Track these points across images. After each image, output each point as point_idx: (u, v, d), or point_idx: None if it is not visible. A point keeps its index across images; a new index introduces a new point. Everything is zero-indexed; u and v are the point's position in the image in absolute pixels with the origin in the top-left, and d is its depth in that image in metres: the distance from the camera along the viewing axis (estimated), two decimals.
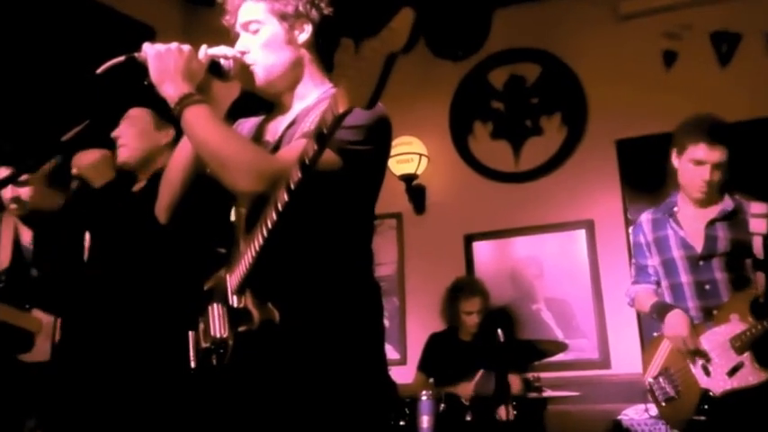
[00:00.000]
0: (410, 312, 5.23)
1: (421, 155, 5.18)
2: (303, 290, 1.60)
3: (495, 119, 5.32)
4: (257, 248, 1.50)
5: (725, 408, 2.73)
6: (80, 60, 2.58)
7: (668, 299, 2.97)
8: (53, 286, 3.12)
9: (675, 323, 2.83)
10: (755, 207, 2.89)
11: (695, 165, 2.88)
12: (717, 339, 2.79)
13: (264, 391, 1.60)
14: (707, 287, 2.86)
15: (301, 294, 1.60)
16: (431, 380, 4.29)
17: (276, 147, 1.71)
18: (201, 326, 1.78)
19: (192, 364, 1.81)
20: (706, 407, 2.75)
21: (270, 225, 1.44)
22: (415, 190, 5.30)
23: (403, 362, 5.03)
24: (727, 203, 2.92)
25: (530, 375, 4.07)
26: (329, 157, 1.49)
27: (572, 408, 4.28)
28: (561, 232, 4.93)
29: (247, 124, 1.92)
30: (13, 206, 3.21)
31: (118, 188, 2.67)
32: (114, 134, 2.77)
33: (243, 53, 1.75)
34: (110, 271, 2.67)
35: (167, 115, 1.63)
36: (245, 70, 1.75)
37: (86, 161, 2.68)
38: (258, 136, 1.83)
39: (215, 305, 1.69)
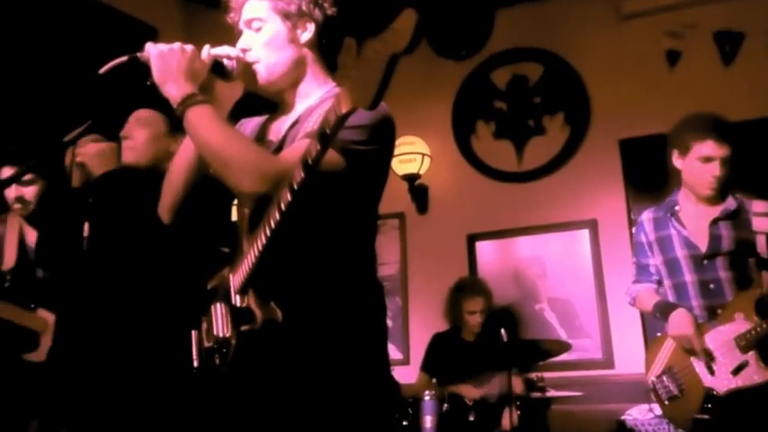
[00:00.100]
0: (413, 312, 5.23)
1: (423, 154, 5.19)
2: (306, 290, 1.60)
3: (498, 118, 5.32)
4: (260, 248, 1.50)
5: (729, 406, 2.73)
6: (82, 60, 2.58)
7: (671, 298, 2.96)
8: (58, 286, 3.12)
9: (680, 322, 2.83)
10: (757, 205, 2.89)
11: (703, 162, 2.87)
12: (721, 338, 2.79)
13: (267, 390, 1.60)
14: (711, 286, 2.85)
15: (304, 294, 1.60)
16: (434, 380, 4.29)
17: (279, 147, 1.71)
18: (204, 325, 1.78)
19: (195, 364, 1.81)
20: (710, 406, 2.74)
21: (273, 225, 1.44)
22: (417, 190, 5.30)
23: (406, 362, 5.03)
24: (730, 202, 2.91)
25: (533, 375, 4.07)
26: (332, 157, 1.49)
27: (575, 408, 4.28)
28: (564, 232, 4.93)
29: (250, 124, 1.92)
30: (17, 206, 3.22)
31: (118, 177, 2.66)
32: (123, 133, 2.74)
33: (245, 51, 1.75)
34: (111, 268, 2.66)
35: (178, 123, 1.62)
36: (247, 70, 1.75)
37: (93, 150, 2.67)
38: (261, 136, 1.83)
39: (218, 304, 1.69)
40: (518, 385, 3.93)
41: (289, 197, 1.39)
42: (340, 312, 1.60)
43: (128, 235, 2.61)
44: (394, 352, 5.02)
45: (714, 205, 2.94)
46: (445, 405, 3.83)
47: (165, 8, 5.14)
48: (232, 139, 1.57)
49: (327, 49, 1.81)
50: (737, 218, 2.89)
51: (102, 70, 1.60)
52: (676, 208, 3.01)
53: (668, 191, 3.12)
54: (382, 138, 1.64)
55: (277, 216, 1.43)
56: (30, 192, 3.20)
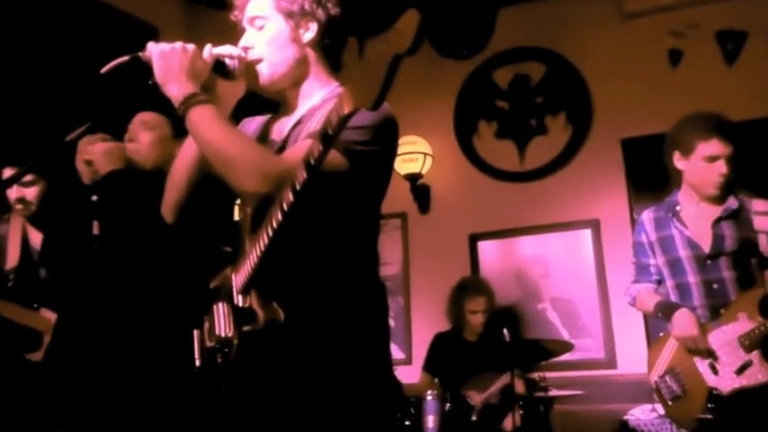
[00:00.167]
0: (415, 312, 5.23)
1: (425, 154, 5.18)
2: (308, 290, 1.60)
3: (500, 118, 5.31)
4: (262, 248, 1.50)
5: (733, 406, 2.72)
6: (83, 60, 2.58)
7: (674, 298, 2.96)
8: (62, 285, 3.12)
9: (684, 322, 2.82)
10: (758, 204, 2.89)
11: (708, 161, 2.87)
12: (725, 338, 2.78)
13: (269, 390, 1.60)
14: (715, 286, 2.85)
15: (306, 294, 1.60)
16: (436, 380, 4.28)
17: (282, 147, 1.71)
18: (206, 325, 1.77)
19: (197, 363, 1.80)
20: (713, 405, 2.74)
21: (275, 225, 1.44)
22: (419, 189, 5.29)
23: (408, 362, 5.04)
24: (732, 202, 2.91)
25: (535, 375, 4.07)
26: (335, 157, 1.48)
27: (578, 408, 4.27)
28: (567, 231, 4.92)
29: (253, 123, 1.92)
30: (19, 206, 3.22)
31: (124, 177, 2.66)
32: (128, 136, 2.74)
33: (247, 48, 1.74)
34: (117, 267, 2.66)
35: (180, 124, 1.62)
36: (249, 69, 1.74)
37: (101, 148, 2.67)
38: (264, 135, 1.83)
39: (220, 304, 1.69)
40: (520, 385, 3.92)
41: (291, 197, 1.38)
42: (342, 312, 1.60)
43: (132, 234, 2.61)
44: (396, 352, 5.03)
45: (716, 205, 2.93)
46: (447, 405, 3.83)
47: (166, 8, 5.13)
48: (234, 139, 1.57)
49: (331, 50, 1.81)
50: (739, 217, 2.89)
51: (103, 70, 1.60)
52: (677, 208, 3.00)
53: (670, 190, 3.11)
54: (385, 138, 1.64)
55: (279, 216, 1.42)
56: (31, 193, 3.20)
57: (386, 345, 1.72)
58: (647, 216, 3.11)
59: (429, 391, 3.81)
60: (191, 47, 1.64)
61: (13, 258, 3.28)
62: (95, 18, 4.36)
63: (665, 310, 2.91)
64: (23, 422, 3.00)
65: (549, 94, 5.19)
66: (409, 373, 4.55)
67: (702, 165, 2.89)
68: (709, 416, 2.74)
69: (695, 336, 2.79)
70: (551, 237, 4.96)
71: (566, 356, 4.16)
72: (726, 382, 2.75)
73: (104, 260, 2.73)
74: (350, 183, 1.57)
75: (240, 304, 1.60)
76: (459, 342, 4.44)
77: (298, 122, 1.73)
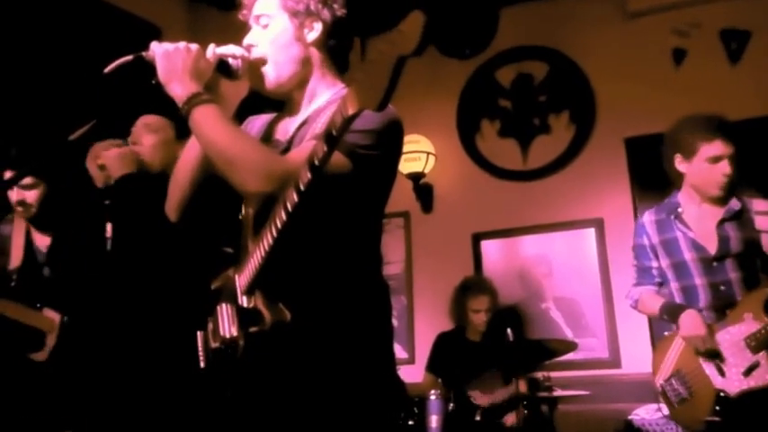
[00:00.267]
0: (418, 311, 5.22)
1: (428, 153, 5.17)
2: (312, 290, 1.60)
3: (503, 117, 5.30)
4: (266, 249, 1.49)
5: (741, 408, 2.71)
6: (86, 60, 2.57)
7: (679, 300, 2.95)
8: (67, 286, 3.12)
9: (691, 323, 2.81)
10: (759, 204, 2.88)
11: (712, 162, 2.86)
12: (731, 339, 2.77)
13: (276, 390, 1.60)
14: (722, 288, 2.84)
15: (310, 295, 1.59)
16: (439, 380, 4.28)
17: (287, 147, 1.71)
18: (210, 326, 1.77)
19: (202, 364, 1.80)
20: (720, 408, 2.73)
21: (279, 225, 1.44)
22: (422, 188, 5.29)
23: (411, 361, 5.03)
24: (734, 202, 2.90)
25: (539, 375, 4.06)
26: (339, 159, 1.48)
27: (582, 407, 4.26)
28: (570, 231, 4.91)
29: (257, 122, 1.91)
30: (19, 209, 3.22)
31: (136, 180, 2.66)
32: (131, 139, 2.74)
33: (251, 46, 1.74)
34: (127, 269, 2.66)
35: (184, 124, 1.62)
36: (253, 69, 1.74)
37: (114, 153, 2.67)
38: (268, 135, 1.83)
39: (224, 305, 1.69)
40: (523, 385, 3.91)
41: (295, 197, 1.38)
42: (346, 312, 1.60)
43: (143, 236, 2.61)
44: (399, 351, 5.02)
45: (718, 206, 2.92)
46: (451, 405, 3.82)
47: (169, 7, 5.13)
48: (237, 139, 1.56)
49: (337, 51, 1.81)
50: (741, 218, 2.88)
51: (106, 70, 1.59)
52: (679, 210, 2.99)
53: (674, 189, 3.09)
54: (389, 142, 1.64)
55: (283, 216, 1.42)
56: (31, 196, 3.20)
57: (389, 344, 1.71)
58: (647, 218, 3.09)
59: (432, 391, 3.80)
60: (194, 46, 1.64)
61: (16, 258, 3.28)
62: (98, 18, 4.36)
63: (671, 312, 2.90)
64: (27, 422, 3.00)
65: (552, 93, 5.18)
66: (412, 373, 4.55)
67: (706, 166, 2.88)
68: (717, 418, 2.73)
69: (703, 335, 2.78)
70: (555, 236, 4.95)
71: (569, 356, 4.15)
72: (733, 383, 2.74)
73: (117, 262, 2.73)
74: (353, 185, 1.56)
75: (245, 305, 1.59)
76: (463, 341, 4.43)
77: (303, 123, 1.73)
